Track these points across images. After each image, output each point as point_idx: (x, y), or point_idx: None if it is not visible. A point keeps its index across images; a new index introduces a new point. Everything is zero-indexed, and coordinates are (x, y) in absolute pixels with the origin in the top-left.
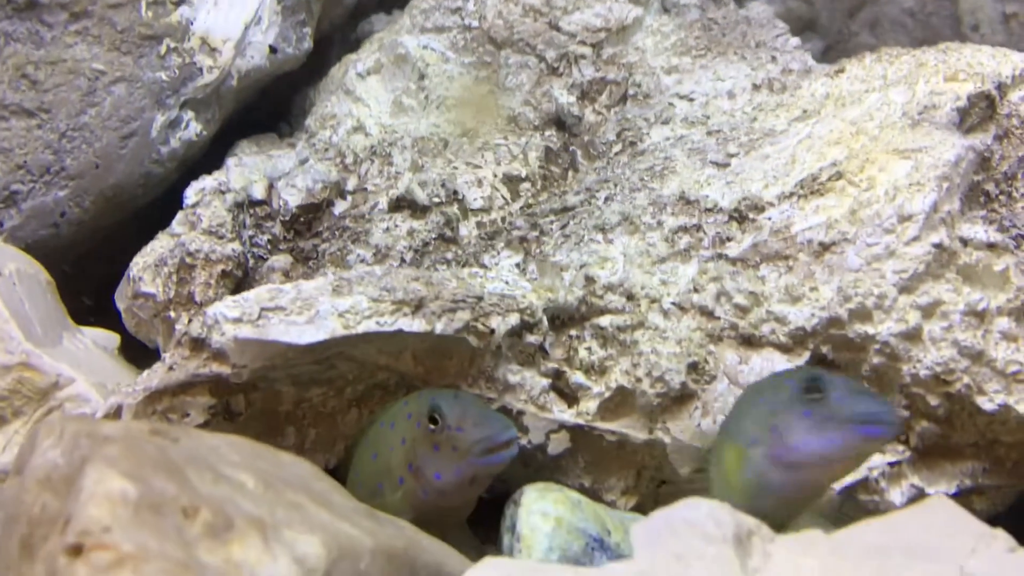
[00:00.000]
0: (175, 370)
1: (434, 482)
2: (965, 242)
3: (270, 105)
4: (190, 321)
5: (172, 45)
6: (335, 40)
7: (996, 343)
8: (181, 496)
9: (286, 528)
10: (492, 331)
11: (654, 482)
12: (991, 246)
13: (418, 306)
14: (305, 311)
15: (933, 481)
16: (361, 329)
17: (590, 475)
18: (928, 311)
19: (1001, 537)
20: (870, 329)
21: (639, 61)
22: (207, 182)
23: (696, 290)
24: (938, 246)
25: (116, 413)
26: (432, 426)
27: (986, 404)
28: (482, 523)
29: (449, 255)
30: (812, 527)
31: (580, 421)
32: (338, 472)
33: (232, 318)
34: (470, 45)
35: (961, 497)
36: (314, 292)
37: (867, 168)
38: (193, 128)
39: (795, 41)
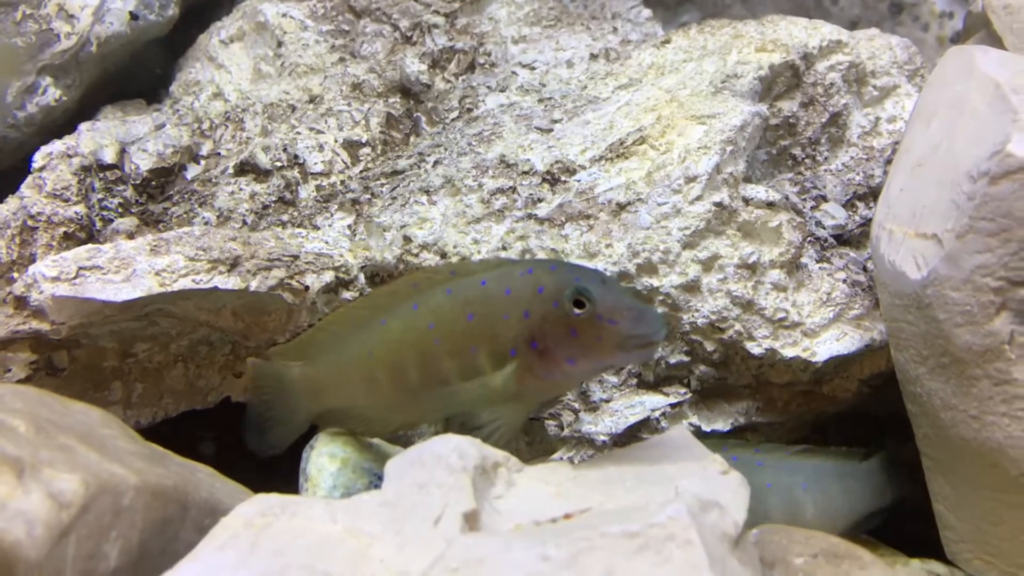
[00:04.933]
0: None
1: (564, 366)
2: (747, 201)
3: (153, 73)
4: (16, 281)
5: (28, 11)
6: (224, 6)
7: (767, 293)
8: None
9: (47, 467)
10: (306, 288)
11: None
12: (770, 204)
13: (233, 264)
14: (122, 270)
15: (711, 420)
16: (177, 287)
17: None
18: (707, 264)
19: (717, 461)
20: (655, 282)
21: (492, 31)
22: (55, 146)
23: (504, 248)
24: (719, 204)
25: None
26: (577, 310)
27: (755, 349)
28: None
29: (286, 217)
30: None
31: None
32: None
33: (50, 276)
34: (329, 14)
35: (736, 433)
36: (132, 252)
37: (668, 133)
38: (51, 93)
39: (647, 12)
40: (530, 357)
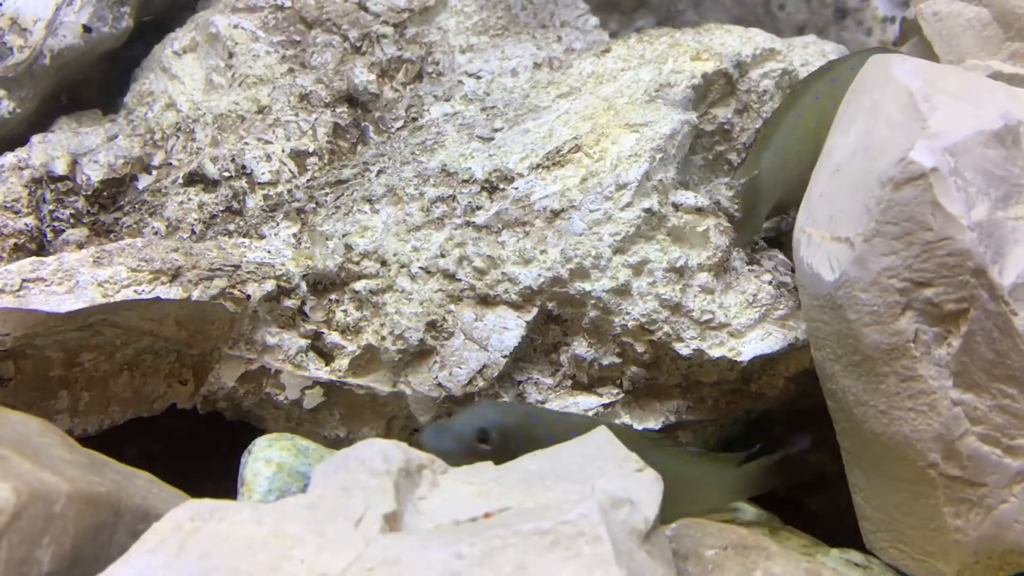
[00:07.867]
0: None
1: None
2: (677, 206)
3: (109, 84)
4: None
5: None
6: (181, 17)
7: (695, 296)
8: None
9: None
10: (248, 297)
11: (406, 430)
12: (699, 210)
13: (175, 275)
14: (65, 281)
15: (643, 419)
16: (120, 297)
17: (345, 426)
18: (637, 269)
19: (632, 460)
20: (587, 286)
21: (440, 40)
22: (7, 159)
23: (442, 255)
24: (648, 211)
25: None
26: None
27: (683, 349)
28: None
29: (232, 226)
30: None
31: (332, 377)
32: None
33: None
34: (281, 24)
35: (668, 431)
36: (75, 263)
37: (602, 141)
38: (5, 106)
39: (594, 21)
40: None
